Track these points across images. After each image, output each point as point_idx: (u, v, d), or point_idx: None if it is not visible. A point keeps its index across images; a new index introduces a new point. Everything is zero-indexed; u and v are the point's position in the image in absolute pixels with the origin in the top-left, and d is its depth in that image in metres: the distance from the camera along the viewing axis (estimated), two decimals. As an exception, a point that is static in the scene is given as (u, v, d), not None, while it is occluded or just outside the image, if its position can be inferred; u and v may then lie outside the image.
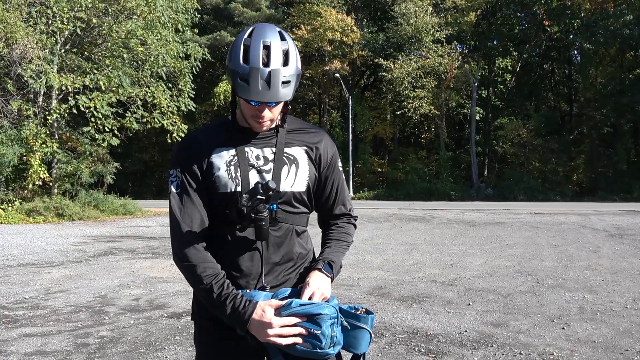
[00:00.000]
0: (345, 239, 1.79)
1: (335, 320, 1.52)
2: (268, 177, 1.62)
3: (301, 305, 1.50)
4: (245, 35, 1.55)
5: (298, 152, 1.69)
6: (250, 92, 1.50)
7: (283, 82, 1.52)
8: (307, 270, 1.69)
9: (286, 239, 1.66)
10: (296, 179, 1.66)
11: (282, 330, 1.48)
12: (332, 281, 1.67)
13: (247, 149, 1.65)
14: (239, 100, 1.62)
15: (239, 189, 1.60)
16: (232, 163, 1.62)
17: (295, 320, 1.49)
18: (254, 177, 1.62)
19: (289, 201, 1.65)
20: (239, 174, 1.61)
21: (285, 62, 1.53)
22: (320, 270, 1.65)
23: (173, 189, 1.64)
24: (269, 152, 1.66)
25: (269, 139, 1.67)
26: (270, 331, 1.47)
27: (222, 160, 1.63)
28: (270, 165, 1.64)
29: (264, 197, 1.51)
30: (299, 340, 1.48)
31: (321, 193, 1.76)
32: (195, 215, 1.60)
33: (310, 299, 1.55)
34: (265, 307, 1.50)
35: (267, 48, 1.52)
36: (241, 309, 1.51)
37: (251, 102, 1.54)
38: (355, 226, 1.86)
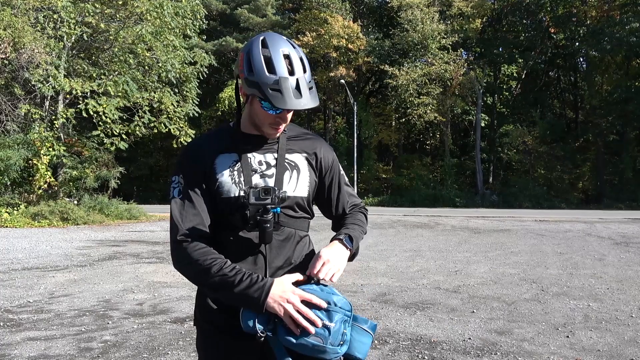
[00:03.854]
0: (360, 224, 1.79)
1: (349, 319, 1.53)
2: (271, 181, 1.64)
3: (318, 286, 1.53)
4: (260, 46, 1.55)
5: (299, 159, 1.71)
6: (285, 101, 1.50)
7: (309, 88, 1.55)
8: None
9: (288, 243, 1.67)
10: (298, 185, 1.68)
11: (302, 307, 1.47)
12: (350, 257, 1.67)
13: (249, 154, 1.67)
14: (252, 108, 1.62)
15: (242, 193, 1.61)
16: (236, 168, 1.64)
17: (315, 299, 1.49)
18: (257, 182, 1.63)
19: (292, 206, 1.66)
20: (242, 179, 1.62)
21: (304, 69, 1.56)
22: (341, 240, 1.65)
23: (174, 195, 1.64)
24: (270, 158, 1.68)
25: (271, 145, 1.69)
26: (292, 300, 1.47)
27: (225, 165, 1.64)
28: (273, 170, 1.66)
29: (269, 200, 1.53)
30: (312, 329, 1.46)
31: (329, 196, 1.80)
32: (196, 220, 1.60)
33: (319, 271, 1.54)
34: (284, 280, 1.52)
35: (287, 57, 1.54)
36: (260, 281, 1.50)
37: (272, 110, 1.57)
38: (366, 216, 1.87)
